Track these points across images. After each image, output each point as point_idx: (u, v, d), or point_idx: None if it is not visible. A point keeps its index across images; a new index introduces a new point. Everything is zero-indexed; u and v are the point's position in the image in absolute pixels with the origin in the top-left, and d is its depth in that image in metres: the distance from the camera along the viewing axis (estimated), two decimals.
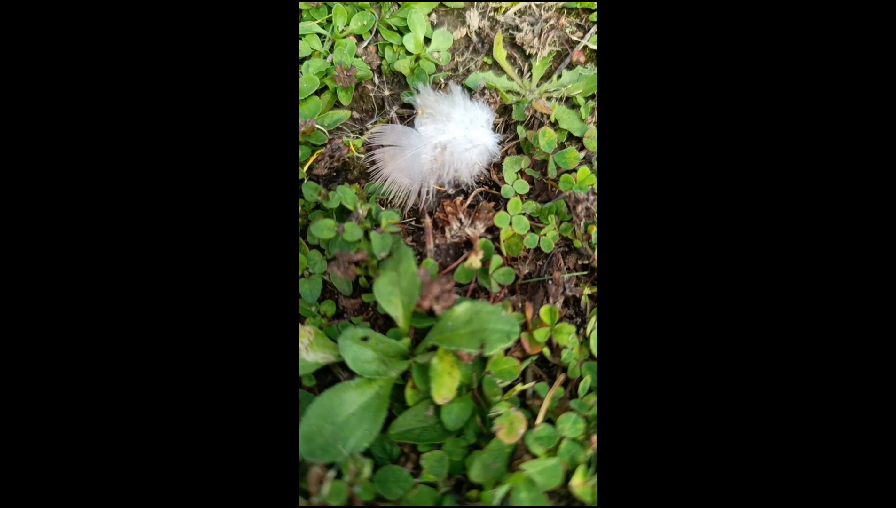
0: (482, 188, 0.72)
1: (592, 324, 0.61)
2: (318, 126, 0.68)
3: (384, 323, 0.65)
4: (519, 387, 0.59)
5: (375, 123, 0.75)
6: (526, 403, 0.61)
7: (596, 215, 0.64)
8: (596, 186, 0.67)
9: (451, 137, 0.67)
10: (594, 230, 0.66)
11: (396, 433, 0.59)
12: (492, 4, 0.81)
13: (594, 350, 0.61)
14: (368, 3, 0.77)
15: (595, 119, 0.75)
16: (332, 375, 0.63)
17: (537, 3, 0.79)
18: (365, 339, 0.60)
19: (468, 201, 0.71)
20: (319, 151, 0.67)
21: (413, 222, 0.71)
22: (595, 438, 0.53)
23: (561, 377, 0.62)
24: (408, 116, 0.74)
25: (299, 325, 0.61)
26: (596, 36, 0.80)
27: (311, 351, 0.61)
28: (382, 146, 0.68)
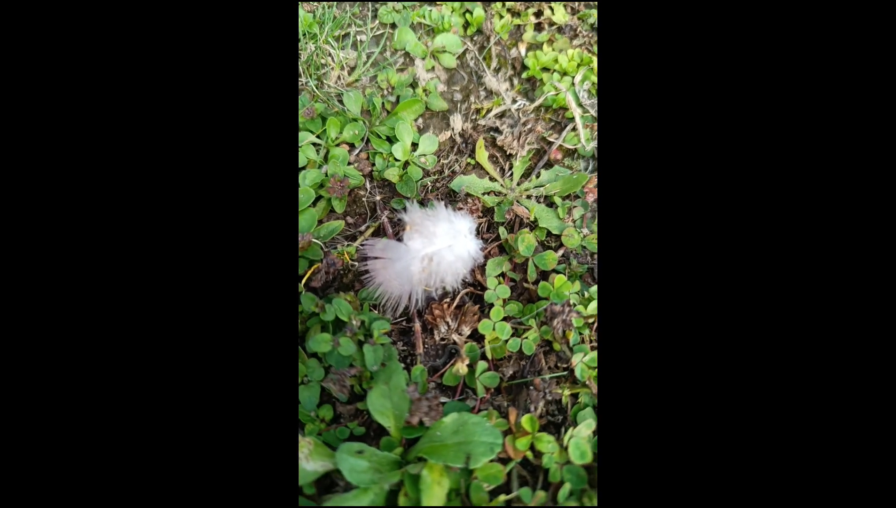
0: (468, 289, 0.70)
1: (570, 433, 0.59)
2: (314, 240, 0.66)
3: (378, 428, 0.64)
4: (503, 497, 0.58)
5: (368, 227, 0.73)
6: (511, 507, 0.59)
7: (573, 324, 0.63)
8: (572, 296, 0.65)
9: (437, 249, 0.65)
10: (572, 335, 0.64)
11: None
12: (473, 106, 0.79)
13: (572, 457, 0.59)
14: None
15: (573, 218, 0.73)
16: (331, 480, 0.62)
17: (516, 107, 0.77)
18: (360, 452, 0.58)
19: (455, 303, 0.69)
20: (316, 266, 0.66)
21: (404, 322, 0.69)
22: None
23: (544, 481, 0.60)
24: (398, 221, 0.72)
25: (299, 436, 0.59)
26: (571, 134, 0.78)
27: (310, 461, 0.60)
28: (374, 258, 0.66)
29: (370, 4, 0.75)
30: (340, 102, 0.76)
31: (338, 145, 0.75)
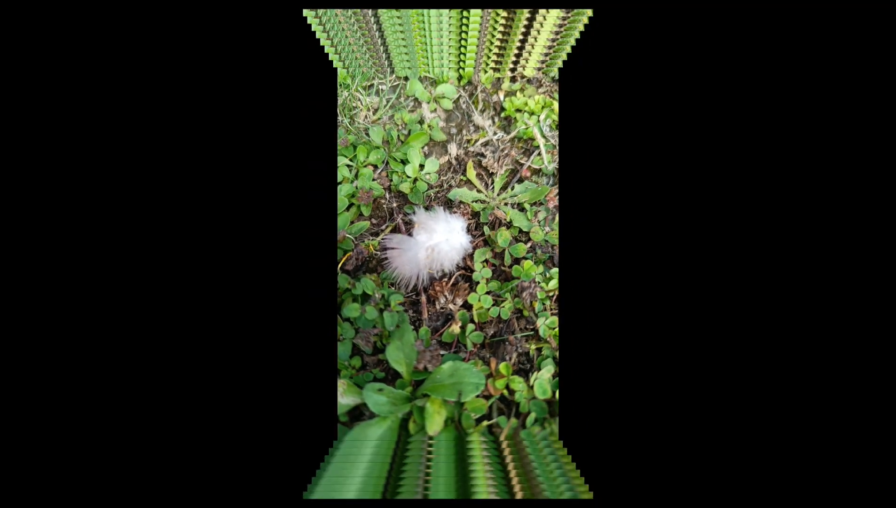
0: (461, 272, 0.90)
1: (535, 377, 0.78)
2: (347, 235, 0.87)
3: (394, 373, 0.83)
4: (485, 423, 0.77)
5: (387, 227, 0.94)
6: (492, 430, 0.78)
7: (538, 297, 0.83)
8: (537, 275, 0.85)
9: (438, 242, 0.85)
10: (537, 304, 0.84)
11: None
12: (465, 137, 1.01)
13: (537, 393, 0.78)
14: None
15: (538, 219, 0.93)
16: (359, 410, 0.81)
17: (496, 138, 0.98)
18: (380, 390, 0.78)
19: (451, 282, 0.89)
20: (348, 254, 0.86)
21: (414, 296, 0.90)
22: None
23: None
24: (409, 222, 0.93)
25: (337, 378, 0.79)
26: (537, 157, 0.99)
27: (345, 396, 0.79)
28: (391, 248, 0.87)
29: (388, 64, 0.97)
30: (367, 134, 0.98)
31: (365, 166, 0.96)
